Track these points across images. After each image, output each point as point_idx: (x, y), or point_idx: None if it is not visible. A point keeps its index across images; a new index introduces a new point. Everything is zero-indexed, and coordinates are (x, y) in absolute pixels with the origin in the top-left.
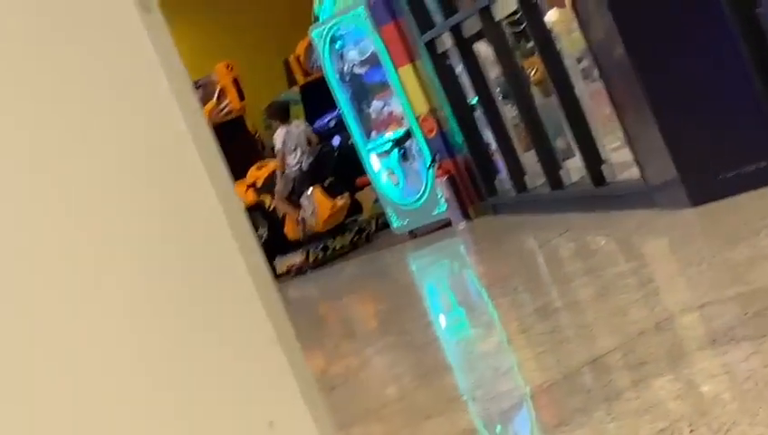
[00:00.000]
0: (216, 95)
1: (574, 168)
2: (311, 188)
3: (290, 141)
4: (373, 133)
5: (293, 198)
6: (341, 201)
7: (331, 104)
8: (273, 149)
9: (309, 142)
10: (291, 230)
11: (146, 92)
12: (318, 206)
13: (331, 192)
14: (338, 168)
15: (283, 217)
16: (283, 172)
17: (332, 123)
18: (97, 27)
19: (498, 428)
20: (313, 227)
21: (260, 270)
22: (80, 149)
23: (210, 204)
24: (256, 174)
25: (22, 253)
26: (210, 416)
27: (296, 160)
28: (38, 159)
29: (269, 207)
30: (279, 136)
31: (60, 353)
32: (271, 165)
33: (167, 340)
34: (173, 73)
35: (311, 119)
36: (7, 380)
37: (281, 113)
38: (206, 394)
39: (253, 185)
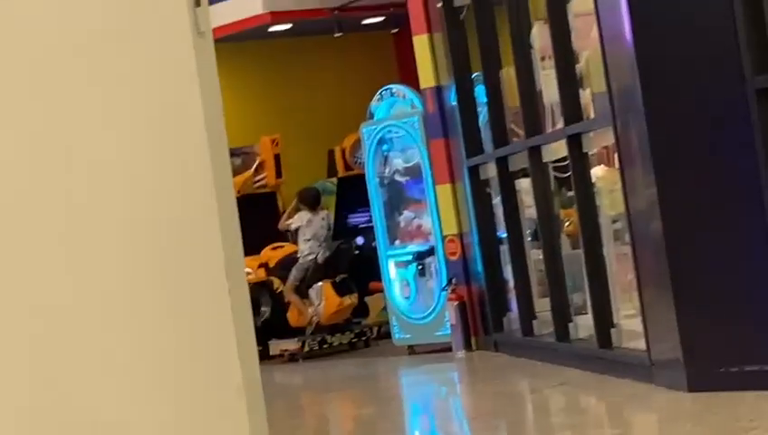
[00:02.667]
0: (254, 166)
1: (584, 325)
2: (320, 282)
3: (308, 230)
4: (397, 241)
5: (302, 286)
6: (349, 301)
7: (363, 202)
8: (290, 231)
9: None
10: (294, 317)
11: (179, 101)
12: (325, 300)
13: (341, 289)
14: (354, 267)
15: (289, 302)
16: (298, 260)
17: (364, 222)
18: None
19: None
20: (317, 319)
21: (245, 318)
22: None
23: (213, 252)
24: (270, 254)
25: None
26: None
27: (309, 250)
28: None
29: (276, 289)
30: (302, 219)
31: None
32: (287, 248)
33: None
34: (209, 95)
35: (341, 211)
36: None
37: (311, 200)
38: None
39: (265, 265)
